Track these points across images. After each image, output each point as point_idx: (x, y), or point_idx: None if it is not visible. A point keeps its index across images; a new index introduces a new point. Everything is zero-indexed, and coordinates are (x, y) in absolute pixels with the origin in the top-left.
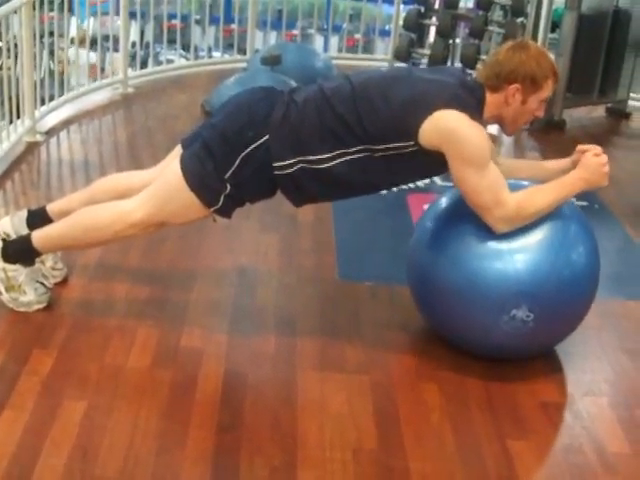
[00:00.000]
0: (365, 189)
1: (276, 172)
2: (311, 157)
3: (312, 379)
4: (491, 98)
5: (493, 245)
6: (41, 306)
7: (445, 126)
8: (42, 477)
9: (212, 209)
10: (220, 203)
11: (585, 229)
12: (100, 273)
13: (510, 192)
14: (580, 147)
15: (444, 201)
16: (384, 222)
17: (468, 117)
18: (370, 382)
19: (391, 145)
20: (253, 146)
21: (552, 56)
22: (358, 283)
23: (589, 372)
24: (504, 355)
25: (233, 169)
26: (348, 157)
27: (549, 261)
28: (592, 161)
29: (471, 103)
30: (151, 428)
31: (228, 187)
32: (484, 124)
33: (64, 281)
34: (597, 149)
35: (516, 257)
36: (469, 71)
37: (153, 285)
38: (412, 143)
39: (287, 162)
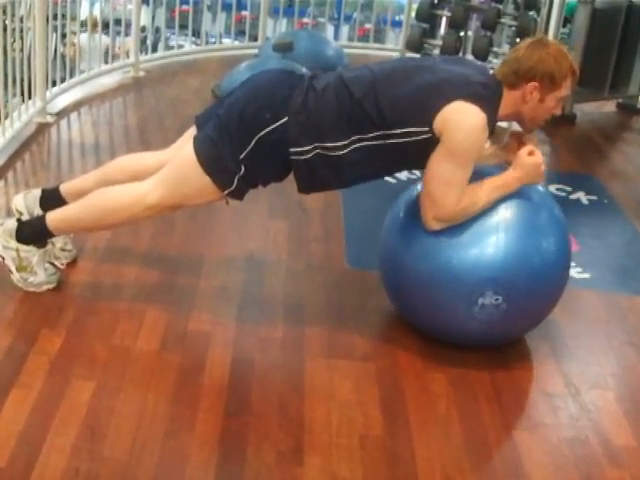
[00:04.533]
0: (377, 175)
1: (292, 157)
2: (328, 144)
3: (319, 366)
4: (509, 95)
5: (460, 233)
6: (50, 286)
7: (454, 117)
8: (50, 456)
9: (226, 191)
10: (234, 185)
11: (554, 214)
12: (109, 256)
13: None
14: (515, 134)
15: (415, 190)
16: None
17: (483, 116)
18: (377, 369)
19: (406, 130)
20: (269, 128)
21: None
22: (366, 271)
23: (595, 365)
24: (486, 342)
25: (248, 150)
26: (363, 143)
27: (513, 246)
28: (527, 161)
29: (490, 100)
30: (159, 411)
31: (242, 169)
32: (500, 120)
33: (73, 263)
34: (531, 146)
35: (479, 246)
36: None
37: (162, 269)
38: (427, 129)
39: (304, 148)
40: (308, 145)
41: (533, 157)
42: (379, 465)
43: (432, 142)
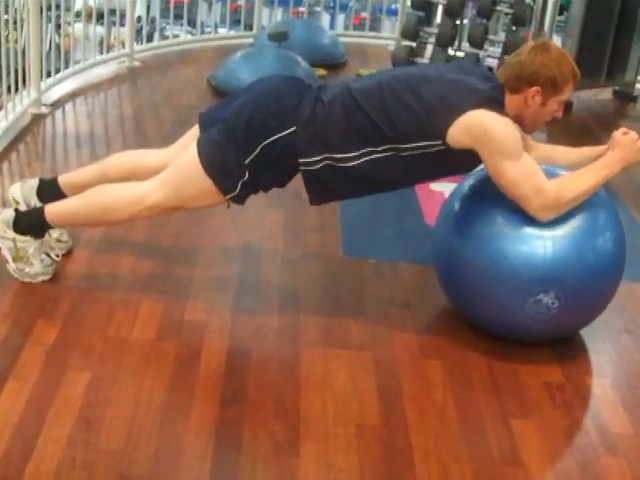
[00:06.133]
0: (389, 187)
1: (302, 167)
2: (337, 155)
3: (316, 355)
4: (511, 99)
5: (521, 227)
6: (46, 277)
7: (476, 125)
8: (45, 448)
9: (228, 196)
10: (237, 190)
11: (613, 216)
12: (105, 246)
13: (547, 179)
14: (614, 133)
15: (471, 181)
16: (389, 200)
17: (495, 114)
18: (373, 358)
19: (418, 144)
20: (276, 136)
21: (560, 40)
22: (362, 260)
23: (592, 353)
24: (524, 337)
25: (253, 156)
26: (374, 155)
27: (577, 247)
28: (624, 139)
29: (497, 106)
30: (155, 400)
31: (246, 174)
32: None
33: (69, 253)
34: (623, 128)
35: (543, 241)
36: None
37: (158, 259)
38: (440, 142)
39: (313, 159)
40: (317, 156)
41: (629, 135)
42: (375, 454)
43: (447, 153)
